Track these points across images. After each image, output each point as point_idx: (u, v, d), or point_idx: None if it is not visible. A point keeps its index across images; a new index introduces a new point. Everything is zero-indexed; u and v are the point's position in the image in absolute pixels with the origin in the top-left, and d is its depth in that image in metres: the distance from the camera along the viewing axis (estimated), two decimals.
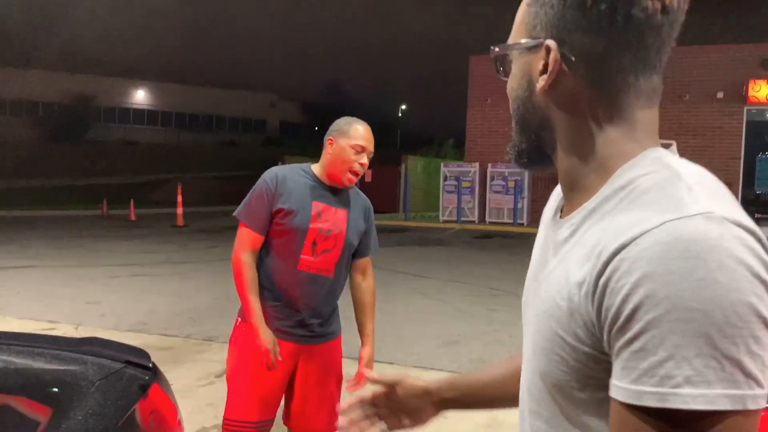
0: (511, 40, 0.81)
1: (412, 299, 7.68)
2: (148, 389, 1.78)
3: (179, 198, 17.18)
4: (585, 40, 0.71)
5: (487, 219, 18.35)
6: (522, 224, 17.83)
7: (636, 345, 0.60)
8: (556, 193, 0.89)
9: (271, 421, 2.53)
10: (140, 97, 49.34)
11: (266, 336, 2.40)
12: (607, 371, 0.64)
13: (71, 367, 1.79)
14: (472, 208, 18.52)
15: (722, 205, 0.63)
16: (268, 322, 2.44)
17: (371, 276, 2.71)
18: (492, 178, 18.31)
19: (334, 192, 2.49)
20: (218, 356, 5.21)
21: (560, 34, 0.72)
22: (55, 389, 1.65)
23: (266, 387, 2.46)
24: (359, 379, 2.53)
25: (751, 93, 16.06)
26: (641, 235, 0.61)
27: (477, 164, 18.70)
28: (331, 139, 2.46)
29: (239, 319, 2.53)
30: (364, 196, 2.66)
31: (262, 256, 2.49)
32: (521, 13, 0.79)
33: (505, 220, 18.07)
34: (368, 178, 22.52)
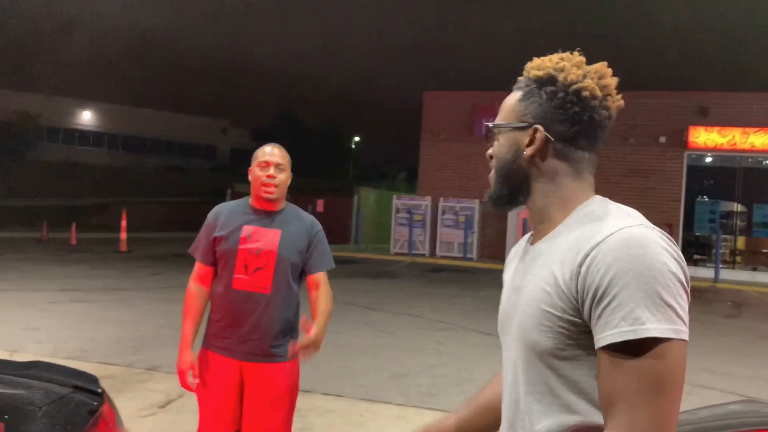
0: (500, 120, 1.17)
1: (361, 332, 7.64)
2: (97, 415, 1.72)
3: (123, 223, 16.72)
4: (561, 128, 1.10)
5: (438, 252, 18.50)
6: (471, 258, 18.04)
7: (614, 303, 0.92)
8: (515, 250, 1.26)
9: None
10: (87, 118, 48.17)
11: (184, 359, 2.59)
12: (583, 333, 0.98)
13: (17, 391, 1.72)
14: (423, 241, 18.66)
15: (647, 222, 1.01)
16: (215, 342, 2.64)
17: (326, 287, 2.70)
18: (443, 212, 18.52)
19: (267, 214, 2.69)
20: (161, 386, 5.06)
21: (544, 121, 1.10)
22: (1, 413, 1.58)
23: (216, 404, 2.62)
24: (297, 349, 2.44)
25: (691, 138, 16.84)
26: (608, 236, 0.97)
27: (429, 198, 18.92)
28: (249, 169, 2.73)
29: (202, 345, 2.71)
30: (309, 217, 2.80)
31: (212, 284, 2.71)
32: (511, 104, 1.16)
33: (455, 254, 18.25)
34: (320, 208, 22.47)
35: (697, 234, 17.64)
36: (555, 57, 1.13)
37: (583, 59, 1.13)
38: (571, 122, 1.09)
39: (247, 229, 2.63)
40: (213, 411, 2.62)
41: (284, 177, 2.68)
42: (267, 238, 2.62)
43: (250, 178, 2.70)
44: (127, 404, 4.64)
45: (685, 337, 0.92)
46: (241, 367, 2.60)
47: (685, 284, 0.95)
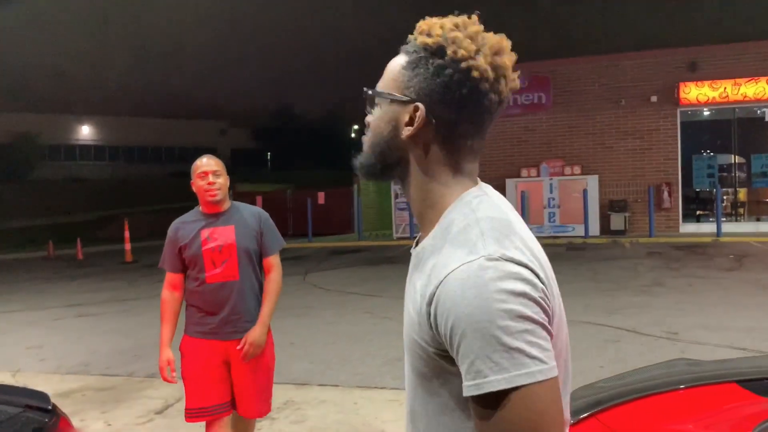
0: (381, 87, 1.02)
1: (359, 319, 7.73)
2: (46, 430, 1.80)
3: (126, 233, 16.89)
4: (445, 109, 0.96)
5: None
6: None
7: (460, 353, 0.85)
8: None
9: (223, 405, 3.05)
10: (86, 132, 48.43)
11: (163, 357, 3.08)
12: (451, 362, 0.88)
13: None
14: None
15: (501, 245, 0.89)
16: (197, 329, 3.07)
17: (276, 271, 3.22)
18: None
19: (218, 215, 3.12)
20: (159, 392, 5.16)
21: (427, 99, 0.96)
22: None
23: (206, 379, 3.03)
24: (242, 356, 3.04)
25: (682, 95, 16.71)
26: (449, 274, 0.87)
27: None
28: (192, 183, 3.12)
29: (184, 334, 3.14)
30: (255, 209, 3.26)
31: (185, 284, 3.14)
32: (395, 70, 1.01)
33: None
34: (321, 200, 22.54)
35: (697, 190, 17.57)
36: (449, 22, 0.98)
37: (480, 29, 0.97)
38: (456, 104, 0.95)
39: (205, 232, 3.07)
40: (201, 385, 3.02)
41: (222, 180, 3.10)
42: (224, 235, 3.08)
43: (194, 189, 3.11)
44: (125, 413, 4.76)
45: (543, 376, 0.82)
46: (227, 346, 3.04)
47: (539, 314, 0.85)
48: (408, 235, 18.43)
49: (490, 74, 0.94)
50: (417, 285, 0.96)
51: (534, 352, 0.82)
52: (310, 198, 20.65)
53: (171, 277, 3.13)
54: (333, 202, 22.86)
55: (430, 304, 0.89)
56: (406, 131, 0.98)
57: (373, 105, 1.05)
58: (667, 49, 17.65)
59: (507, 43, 0.98)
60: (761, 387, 1.69)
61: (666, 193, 16.86)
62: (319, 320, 7.84)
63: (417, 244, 1.05)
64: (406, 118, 0.98)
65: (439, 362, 0.91)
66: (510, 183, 17.73)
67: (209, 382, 3.02)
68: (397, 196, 19.05)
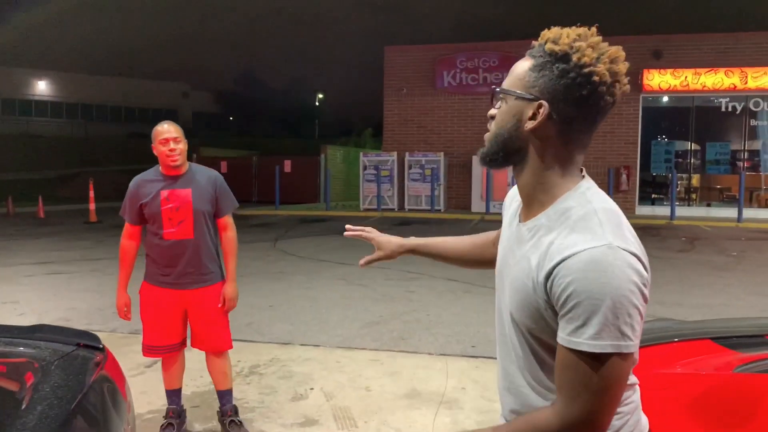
0: (507, 86, 1.19)
1: (334, 286, 7.97)
2: (102, 365, 1.99)
3: (91, 193, 16.66)
4: (566, 107, 1.12)
5: (406, 206, 18.86)
6: (439, 210, 18.43)
7: (569, 315, 1.06)
8: (513, 194, 1.36)
9: (177, 345, 3.53)
10: (42, 88, 46.87)
11: (120, 299, 3.53)
12: (554, 321, 1.10)
13: (29, 350, 1.97)
14: (392, 196, 18.98)
15: (618, 236, 1.08)
16: (157, 279, 3.45)
17: (232, 230, 3.60)
18: (410, 167, 18.81)
19: (176, 178, 3.42)
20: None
21: (550, 97, 1.13)
22: (20, 367, 1.84)
23: (167, 322, 3.46)
24: (225, 311, 3.54)
25: (645, 81, 17.27)
26: (572, 255, 1.06)
27: (395, 153, 19.15)
28: (153, 147, 3.40)
29: (143, 280, 3.52)
30: (212, 171, 3.57)
31: (146, 237, 3.47)
32: (522, 71, 1.18)
33: (423, 206, 18.63)
34: (287, 169, 22.53)
35: (654, 174, 18.27)
36: (573, 32, 1.13)
37: (600, 39, 1.13)
38: (576, 104, 1.11)
39: (164, 193, 3.38)
40: (158, 326, 3.45)
41: (182, 146, 3.40)
42: (181, 197, 3.39)
43: (155, 152, 3.41)
44: None
45: (628, 350, 1.05)
46: (183, 295, 3.43)
47: (640, 301, 1.05)
48: (375, 207, 18.65)
49: (608, 79, 1.11)
50: (531, 258, 1.15)
51: (627, 331, 1.04)
52: (277, 165, 20.63)
53: (130, 228, 3.49)
54: (299, 170, 22.90)
55: (548, 276, 1.09)
56: (529, 124, 1.15)
57: (497, 101, 1.22)
58: (633, 36, 18.14)
59: (622, 54, 1.14)
60: (731, 343, 2.00)
61: (624, 176, 17.50)
62: (294, 285, 8.04)
63: (520, 220, 1.25)
64: (530, 113, 1.15)
65: (547, 320, 1.14)
66: (476, 160, 18.05)
67: (164, 325, 3.45)
68: (365, 168, 19.21)
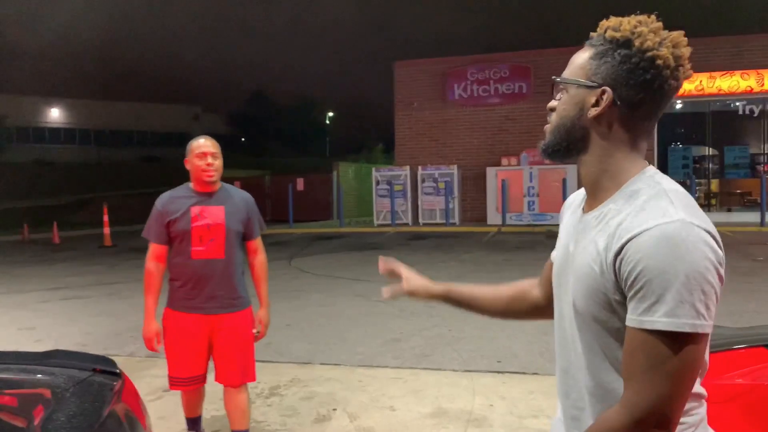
0: (568, 75, 1.18)
1: (352, 302, 7.84)
2: (119, 392, 1.87)
3: (105, 217, 16.70)
4: (629, 92, 1.11)
5: (420, 220, 18.72)
6: (454, 223, 18.27)
7: (640, 294, 1.02)
8: (573, 199, 1.34)
9: (201, 377, 3.32)
10: (55, 115, 47.41)
11: (150, 328, 3.26)
12: (622, 306, 1.06)
13: (43, 377, 1.86)
14: (405, 210, 18.85)
15: (690, 213, 1.04)
16: (183, 304, 3.22)
17: (262, 253, 3.47)
18: (423, 180, 18.70)
19: (209, 195, 3.26)
20: (164, 371, 5.17)
21: (613, 83, 1.12)
22: (33, 397, 1.73)
23: (188, 351, 3.24)
24: (258, 338, 3.43)
25: None
26: (643, 231, 1.02)
27: (407, 167, 19.05)
28: (186, 161, 3.25)
29: (166, 307, 3.30)
30: (243, 192, 3.44)
31: (170, 258, 3.26)
32: (582, 61, 1.17)
33: (438, 220, 18.48)
34: (300, 187, 22.53)
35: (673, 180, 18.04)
36: (633, 20, 1.13)
37: (661, 25, 1.13)
38: (640, 88, 1.10)
39: (195, 209, 3.20)
40: (183, 357, 3.24)
41: (219, 163, 3.25)
42: (213, 215, 3.22)
43: (188, 167, 3.25)
44: None
45: (702, 330, 1.00)
46: (210, 320, 3.22)
47: (716, 276, 1.01)
48: (389, 222, 18.52)
49: (672, 62, 1.10)
50: (599, 241, 1.11)
51: (702, 309, 1.00)
52: (290, 184, 20.62)
53: (156, 249, 3.25)
54: (312, 188, 22.89)
55: (618, 254, 1.05)
56: (593, 111, 1.14)
57: (558, 92, 1.20)
58: None
59: (685, 39, 1.13)
60: None
61: None
62: (311, 303, 7.92)
63: (585, 211, 1.22)
64: (593, 101, 1.14)
65: (614, 306, 1.08)
66: (490, 171, 17.97)
67: (190, 355, 3.23)
68: (378, 183, 19.12)
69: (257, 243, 3.43)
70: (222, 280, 3.21)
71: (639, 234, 1.03)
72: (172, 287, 3.27)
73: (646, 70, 1.09)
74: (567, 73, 1.19)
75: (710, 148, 17.91)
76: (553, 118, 1.21)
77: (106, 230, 16.61)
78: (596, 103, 1.13)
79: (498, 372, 4.92)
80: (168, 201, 3.24)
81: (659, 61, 1.09)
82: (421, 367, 5.11)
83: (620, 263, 1.05)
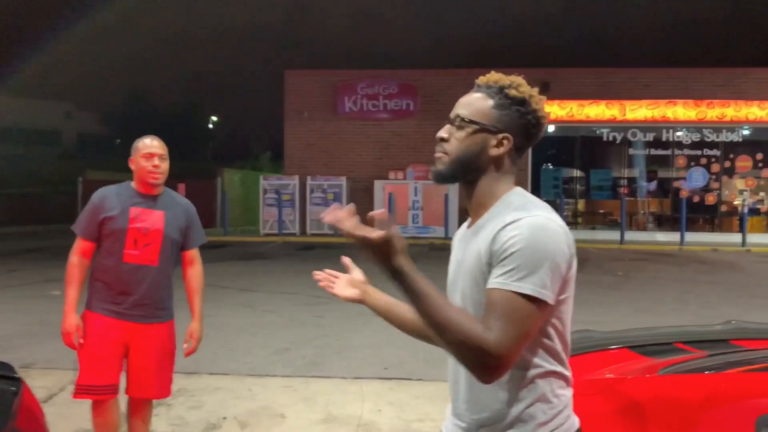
0: (472, 116, 1.42)
1: (239, 312, 7.77)
2: (20, 395, 1.85)
3: None
4: (521, 140, 1.43)
5: (308, 231, 18.73)
6: (342, 234, 18.47)
7: (503, 262, 1.28)
8: (459, 230, 1.57)
9: (113, 387, 3.08)
10: None
11: (70, 322, 3.04)
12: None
13: None
14: (293, 220, 18.79)
15: (552, 213, 1.34)
16: (105, 306, 3.06)
17: (199, 264, 3.33)
18: (312, 191, 18.75)
19: (152, 198, 3.13)
20: (39, 382, 4.93)
21: (512, 131, 1.41)
22: None
23: (103, 356, 3.04)
24: (188, 353, 3.33)
25: None
26: (516, 221, 1.30)
27: (297, 177, 19.03)
28: (131, 159, 3.13)
29: (85, 309, 3.12)
30: (185, 200, 3.33)
31: (97, 258, 3.10)
32: (485, 108, 1.42)
33: (326, 231, 18.55)
34: (181, 192, 21.80)
35: (544, 199, 19.25)
36: (517, 78, 1.45)
37: (539, 92, 1.46)
38: (527, 137, 1.43)
39: (134, 210, 3.07)
40: (99, 362, 3.04)
41: (166, 166, 3.14)
42: (153, 219, 3.09)
43: (132, 167, 3.12)
44: None
45: (543, 297, 1.26)
46: (131, 329, 3.07)
47: (565, 262, 1.30)
48: (276, 231, 18.38)
49: (546, 119, 1.46)
50: (480, 241, 1.37)
51: (546, 280, 1.26)
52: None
53: (84, 245, 3.10)
54: (194, 194, 21.94)
55: (494, 239, 1.32)
56: (494, 151, 1.42)
57: (459, 127, 1.44)
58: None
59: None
60: (644, 351, 2.16)
61: None
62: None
63: (469, 227, 1.48)
64: (494, 143, 1.42)
65: (485, 281, 1.33)
66: (378, 184, 18.37)
67: (106, 361, 3.03)
68: (266, 192, 18.93)
69: (194, 253, 3.31)
70: (151, 288, 3.08)
71: (511, 222, 1.31)
72: (95, 288, 3.11)
73: (534, 125, 1.43)
74: (471, 115, 1.43)
75: (578, 171, 19.36)
76: (451, 149, 1.44)
77: None
78: (497, 145, 1.41)
79: (386, 378, 5.11)
80: (106, 196, 3.10)
81: (542, 120, 1.44)
82: (311, 375, 5.20)
83: (494, 243, 1.31)
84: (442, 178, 1.45)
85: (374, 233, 1.33)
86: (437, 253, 14.57)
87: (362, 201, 19.18)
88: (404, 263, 1.29)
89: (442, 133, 1.45)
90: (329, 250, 15.53)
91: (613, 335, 2.38)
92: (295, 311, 7.81)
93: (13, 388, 1.89)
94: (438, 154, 1.45)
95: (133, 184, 3.17)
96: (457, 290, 1.43)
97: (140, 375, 3.13)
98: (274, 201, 18.68)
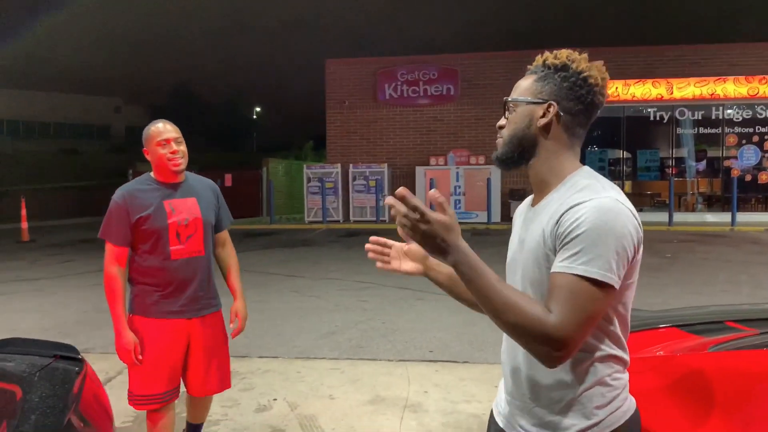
0: (518, 95, 1.43)
1: (287, 297, 7.92)
2: (83, 376, 1.94)
3: (23, 211, 15.98)
4: (569, 104, 1.38)
5: (351, 218, 18.88)
6: (384, 221, 18.54)
7: (567, 246, 1.25)
8: (520, 206, 1.57)
9: (174, 391, 2.93)
10: None
11: (127, 339, 2.80)
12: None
13: (5, 364, 1.90)
14: (337, 207, 18.96)
15: (620, 195, 1.31)
16: (159, 309, 2.86)
17: (230, 244, 3.23)
18: (354, 178, 18.86)
19: (176, 187, 2.92)
20: (98, 366, 5.11)
21: (557, 98, 1.38)
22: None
23: (169, 363, 2.89)
24: (236, 333, 3.18)
25: None
26: (581, 203, 1.27)
27: (339, 165, 19.16)
28: (146, 150, 2.91)
29: (129, 314, 2.91)
30: (208, 180, 3.14)
31: (137, 260, 2.88)
32: (528, 84, 1.43)
33: (368, 218, 18.70)
34: (228, 183, 22.21)
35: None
36: (565, 51, 1.41)
37: (587, 56, 1.41)
38: (577, 101, 1.37)
39: (168, 205, 2.86)
40: (163, 370, 2.86)
41: (184, 148, 2.92)
42: (188, 208, 2.91)
43: (148, 157, 2.88)
44: None
45: (609, 281, 1.22)
46: (189, 324, 2.92)
47: (632, 246, 1.25)
48: (320, 218, 18.57)
49: (599, 81, 1.39)
50: (543, 219, 1.35)
51: (613, 265, 1.22)
52: (218, 179, 20.31)
53: (118, 251, 2.82)
54: (240, 184, 22.58)
55: (558, 220, 1.29)
56: (541, 121, 1.40)
57: (508, 111, 1.45)
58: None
59: (604, 67, 1.42)
60: (694, 329, 2.14)
61: None
62: (246, 299, 7.93)
63: (533, 205, 1.46)
64: (540, 113, 1.40)
65: (549, 265, 1.31)
66: (419, 170, 18.34)
67: (165, 367, 2.86)
68: (309, 180, 19.13)
69: (225, 234, 3.18)
70: (203, 278, 2.93)
71: (576, 204, 1.27)
72: (141, 292, 2.87)
73: (581, 86, 1.37)
74: (515, 95, 1.44)
75: (624, 152, 18.94)
76: (505, 132, 1.44)
77: (24, 224, 15.91)
78: (543, 115, 1.39)
79: (431, 361, 5.16)
80: (132, 195, 2.83)
81: (591, 80, 1.37)
82: (357, 358, 5.28)
83: (558, 226, 1.29)
84: (501, 161, 1.45)
85: (437, 212, 1.25)
86: (481, 237, 14.51)
87: (404, 186, 19.19)
88: (463, 243, 1.26)
89: (500, 121, 1.46)
90: (373, 235, 15.61)
91: (661, 314, 2.36)
92: (340, 296, 7.91)
93: (77, 368, 1.98)
94: (497, 141, 1.47)
95: (152, 174, 2.93)
96: (518, 269, 1.42)
97: (202, 373, 2.99)
98: (317, 189, 18.86)
